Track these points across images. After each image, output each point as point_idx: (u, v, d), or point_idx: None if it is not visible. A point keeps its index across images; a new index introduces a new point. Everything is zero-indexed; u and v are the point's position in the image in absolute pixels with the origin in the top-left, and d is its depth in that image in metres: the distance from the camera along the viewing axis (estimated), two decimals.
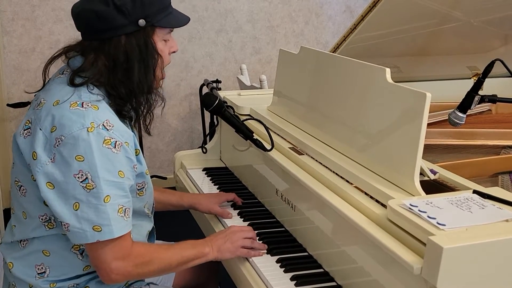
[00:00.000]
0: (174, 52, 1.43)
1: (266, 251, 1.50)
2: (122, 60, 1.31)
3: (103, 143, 1.24)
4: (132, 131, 1.40)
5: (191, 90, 3.92)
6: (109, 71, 1.32)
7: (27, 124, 1.32)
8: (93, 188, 1.23)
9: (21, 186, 1.34)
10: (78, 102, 1.27)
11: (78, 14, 1.34)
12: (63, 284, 1.36)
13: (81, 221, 1.24)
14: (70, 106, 1.26)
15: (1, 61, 3.38)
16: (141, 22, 1.31)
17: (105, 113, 1.29)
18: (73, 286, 1.38)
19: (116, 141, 1.26)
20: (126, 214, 1.28)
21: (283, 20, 4.06)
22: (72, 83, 1.31)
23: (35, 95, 1.42)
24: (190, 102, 3.95)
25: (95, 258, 1.30)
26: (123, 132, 1.29)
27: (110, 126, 1.26)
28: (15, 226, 1.40)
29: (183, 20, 1.41)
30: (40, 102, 1.33)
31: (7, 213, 2.82)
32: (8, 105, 3.42)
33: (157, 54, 1.36)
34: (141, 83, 1.35)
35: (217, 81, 3.69)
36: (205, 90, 3.46)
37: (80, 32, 1.38)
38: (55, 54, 1.39)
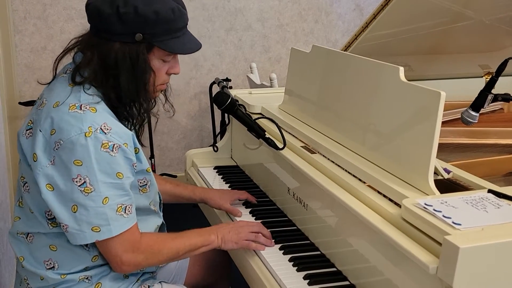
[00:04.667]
0: (174, 73, 1.42)
1: (272, 246, 1.52)
2: (112, 64, 1.31)
3: (101, 147, 1.26)
4: (131, 130, 1.40)
5: (201, 88, 3.92)
6: (101, 71, 1.32)
7: (29, 124, 1.35)
8: (92, 191, 1.25)
9: (26, 182, 1.36)
10: (76, 105, 1.29)
11: (87, 6, 1.35)
12: (73, 276, 1.38)
13: (80, 223, 1.27)
14: (68, 109, 1.28)
15: (13, 60, 3.40)
16: (138, 36, 1.30)
17: (103, 115, 1.30)
18: (85, 277, 1.39)
19: (114, 144, 1.27)
20: (126, 211, 1.31)
21: (292, 18, 4.05)
22: (73, 81, 1.33)
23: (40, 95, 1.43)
24: (200, 101, 3.96)
25: (106, 253, 1.33)
26: (121, 134, 1.30)
27: (108, 129, 1.28)
28: (19, 218, 1.42)
29: (189, 48, 1.38)
30: (43, 102, 1.35)
31: None
32: (20, 103, 3.44)
33: (150, 69, 1.35)
34: (129, 93, 1.34)
35: (227, 80, 3.69)
36: (215, 88, 3.47)
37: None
38: (66, 47, 1.41)
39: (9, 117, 3.17)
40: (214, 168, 2.15)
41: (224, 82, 2.93)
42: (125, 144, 1.30)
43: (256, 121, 1.76)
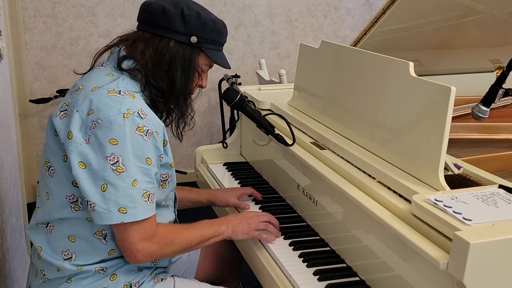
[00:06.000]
0: (201, 87, 1.52)
1: (279, 236, 1.54)
2: (167, 59, 1.41)
3: (136, 130, 1.30)
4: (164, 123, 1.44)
5: (210, 85, 3.92)
6: (154, 64, 1.40)
7: (63, 107, 1.38)
8: (123, 171, 1.28)
9: (50, 166, 1.38)
10: (115, 90, 1.34)
11: (148, 6, 1.44)
12: (89, 267, 1.40)
13: (108, 202, 1.28)
14: (108, 92, 1.33)
15: (23, 58, 3.43)
16: (193, 39, 1.42)
17: (140, 102, 1.35)
18: (100, 269, 1.40)
19: (148, 129, 1.32)
20: (150, 199, 1.33)
21: (301, 14, 4.05)
22: (119, 67, 1.39)
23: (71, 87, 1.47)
24: (209, 97, 3.96)
25: (122, 240, 1.34)
26: (155, 122, 1.35)
27: (144, 114, 1.32)
28: (39, 207, 1.44)
29: (226, 63, 1.52)
30: (78, 88, 1.38)
31: (30, 208, 2.86)
32: (30, 101, 3.47)
33: (197, 72, 1.47)
34: (180, 89, 1.44)
35: (236, 76, 3.69)
36: (224, 85, 3.47)
37: (138, 23, 1.47)
38: (109, 44, 1.47)
39: (20, 115, 3.20)
40: (224, 165, 2.15)
41: (233, 79, 2.93)
42: (156, 133, 1.34)
43: (265, 117, 1.77)
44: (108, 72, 1.40)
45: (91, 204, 1.29)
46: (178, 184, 1.60)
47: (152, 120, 1.34)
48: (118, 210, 1.29)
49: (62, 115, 1.36)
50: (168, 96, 1.44)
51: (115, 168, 1.28)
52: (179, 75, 1.42)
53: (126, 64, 1.40)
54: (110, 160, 1.28)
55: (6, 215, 2.09)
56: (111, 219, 1.29)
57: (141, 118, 1.31)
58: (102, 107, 1.30)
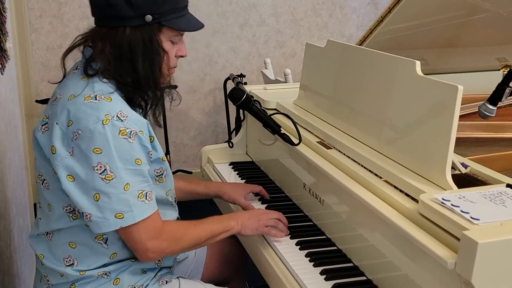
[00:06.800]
0: (181, 56, 1.44)
1: (288, 234, 1.54)
2: (126, 50, 1.33)
3: (119, 134, 1.27)
4: (145, 118, 1.41)
5: (216, 84, 3.93)
6: (115, 60, 1.33)
7: (44, 120, 1.36)
8: (113, 178, 1.26)
9: (44, 179, 1.37)
10: (91, 95, 1.30)
11: None
12: (92, 272, 1.39)
13: (103, 210, 1.28)
14: (84, 100, 1.29)
15: (29, 58, 3.44)
16: (148, 17, 1.32)
17: (118, 104, 1.31)
18: (103, 273, 1.40)
19: (131, 131, 1.29)
20: (147, 198, 1.32)
21: (306, 13, 4.04)
22: (86, 73, 1.34)
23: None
24: (215, 97, 3.97)
25: (130, 241, 1.34)
26: (136, 121, 1.31)
27: (124, 116, 1.29)
28: (40, 219, 1.44)
29: (194, 25, 1.40)
30: (56, 97, 1.36)
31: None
32: (36, 101, 3.48)
33: (163, 50, 1.37)
34: (146, 76, 1.36)
35: (241, 76, 3.69)
36: (230, 84, 3.47)
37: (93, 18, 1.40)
38: (71, 45, 1.42)
39: (27, 115, 3.21)
40: (230, 164, 2.15)
41: (239, 78, 2.94)
42: (140, 132, 1.31)
43: (271, 116, 1.76)
44: (83, 75, 1.35)
45: (87, 215, 1.29)
46: None
47: (134, 120, 1.30)
48: (115, 216, 1.28)
49: (44, 129, 1.34)
50: (137, 87, 1.36)
51: (103, 176, 1.26)
52: (141, 61, 1.33)
53: (92, 69, 1.35)
54: (97, 169, 1.26)
55: (13, 215, 2.10)
56: (109, 226, 1.29)
57: (122, 120, 1.28)
58: (81, 116, 1.27)
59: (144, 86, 1.37)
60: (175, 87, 1.50)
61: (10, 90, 2.33)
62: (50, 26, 3.51)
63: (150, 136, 1.37)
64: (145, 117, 1.43)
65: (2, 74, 1.98)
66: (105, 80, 1.34)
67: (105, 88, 1.32)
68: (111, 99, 1.30)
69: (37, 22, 3.49)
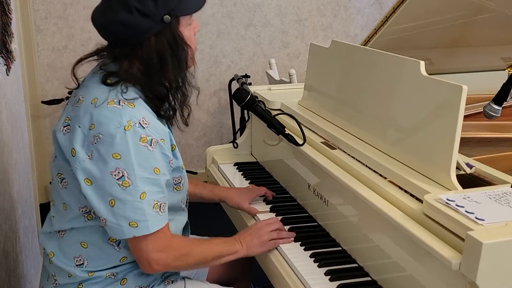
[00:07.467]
0: (197, 31, 1.43)
1: (294, 238, 1.53)
2: (156, 61, 1.32)
3: (140, 141, 1.26)
4: (168, 127, 1.42)
5: (220, 85, 3.93)
6: (145, 75, 1.32)
7: (66, 121, 1.35)
8: (129, 185, 1.26)
9: (64, 178, 1.37)
10: (115, 100, 1.29)
11: (103, 26, 1.33)
12: (100, 273, 1.40)
13: (118, 217, 1.27)
14: (107, 104, 1.28)
15: (35, 59, 3.45)
16: (166, 18, 1.31)
17: (141, 111, 1.30)
18: (111, 275, 1.41)
19: (152, 139, 1.28)
20: (161, 209, 1.31)
21: (311, 13, 4.04)
22: (105, 83, 1.32)
23: (72, 92, 1.45)
24: (219, 97, 3.97)
25: (136, 250, 1.33)
26: (158, 129, 1.31)
27: (146, 123, 1.28)
28: (54, 217, 1.44)
29: (201, 1, 1.40)
30: (79, 99, 1.35)
31: (42, 208, 2.89)
32: (42, 102, 3.50)
33: (186, 45, 1.36)
34: (176, 78, 1.37)
35: (246, 76, 3.69)
36: (234, 85, 3.47)
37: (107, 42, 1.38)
38: (85, 56, 1.41)
39: (32, 116, 3.22)
40: (235, 165, 2.16)
41: (243, 79, 2.94)
42: (162, 140, 1.30)
43: (276, 117, 1.77)
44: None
45: (103, 219, 1.29)
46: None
47: (156, 128, 1.30)
48: (129, 224, 1.27)
49: (65, 131, 1.33)
50: (169, 94, 1.37)
51: (120, 182, 1.25)
52: (170, 66, 1.33)
53: (112, 80, 1.32)
54: (115, 175, 1.25)
55: (19, 215, 2.11)
56: (123, 233, 1.28)
57: (143, 128, 1.27)
58: (103, 121, 1.26)
59: (175, 89, 1.37)
60: (198, 88, 1.49)
61: (16, 91, 2.34)
62: (55, 27, 3.53)
63: (171, 145, 1.37)
64: (172, 123, 1.43)
65: (8, 75, 1.99)
66: (128, 89, 1.32)
67: (129, 94, 1.32)
68: (134, 105, 1.30)
69: (43, 23, 3.50)
